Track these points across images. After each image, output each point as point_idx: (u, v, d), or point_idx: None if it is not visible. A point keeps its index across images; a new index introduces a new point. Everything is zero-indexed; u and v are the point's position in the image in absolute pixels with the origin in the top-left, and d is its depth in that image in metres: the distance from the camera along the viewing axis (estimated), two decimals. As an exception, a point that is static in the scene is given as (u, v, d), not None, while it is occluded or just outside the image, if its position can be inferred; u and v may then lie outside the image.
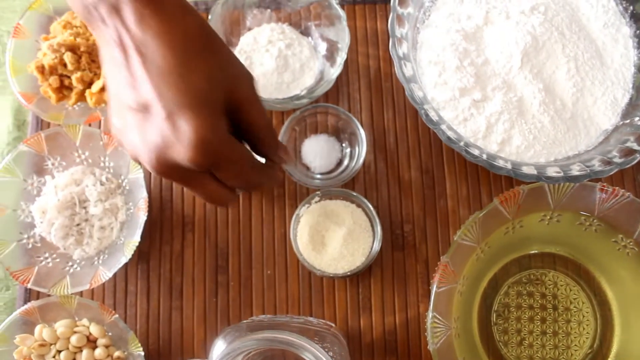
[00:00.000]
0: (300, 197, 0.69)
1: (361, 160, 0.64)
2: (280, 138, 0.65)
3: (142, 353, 0.62)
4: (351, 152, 0.68)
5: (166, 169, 0.41)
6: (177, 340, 0.67)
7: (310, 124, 0.69)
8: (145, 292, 0.68)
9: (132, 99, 0.40)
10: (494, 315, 0.65)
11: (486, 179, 0.69)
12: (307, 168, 0.68)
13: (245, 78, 0.44)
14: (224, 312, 0.67)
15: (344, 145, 0.68)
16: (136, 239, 0.62)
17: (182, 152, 0.39)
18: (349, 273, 0.64)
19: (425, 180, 0.69)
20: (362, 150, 0.65)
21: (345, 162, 0.68)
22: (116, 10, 0.39)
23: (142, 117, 0.40)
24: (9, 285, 0.71)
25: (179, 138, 0.39)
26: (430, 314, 0.57)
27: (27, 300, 0.69)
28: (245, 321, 0.60)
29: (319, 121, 0.69)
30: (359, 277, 0.67)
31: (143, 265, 0.69)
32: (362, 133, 0.65)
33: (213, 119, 0.40)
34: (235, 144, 0.43)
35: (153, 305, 0.68)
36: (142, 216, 0.62)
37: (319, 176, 0.68)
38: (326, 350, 0.50)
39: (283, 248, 0.68)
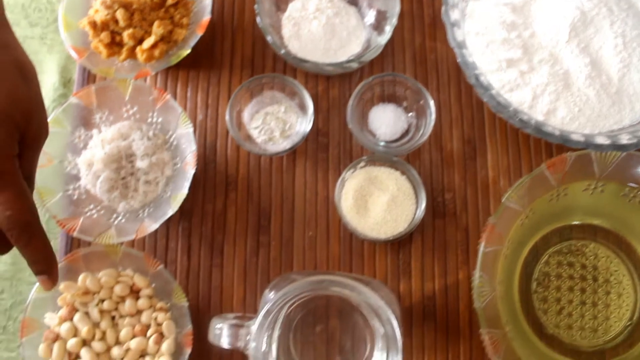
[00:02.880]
0: (344, 162, 0.68)
1: (428, 134, 0.64)
2: (350, 105, 0.64)
3: (187, 304, 0.60)
4: (417, 123, 0.67)
5: None
6: (217, 297, 0.66)
7: (379, 92, 0.68)
8: (186, 249, 0.67)
9: None
10: (534, 283, 0.64)
11: (527, 152, 0.68)
12: (373, 135, 0.68)
13: (45, 122, 0.49)
14: (264, 271, 0.66)
15: (410, 115, 0.68)
16: (184, 192, 0.61)
17: None
18: (391, 238, 0.64)
19: (467, 151, 0.69)
20: (429, 123, 0.64)
21: (411, 133, 0.67)
22: None
23: None
24: (50, 238, 0.70)
25: None
26: (477, 273, 0.56)
27: (67, 252, 0.68)
28: (292, 273, 0.59)
29: (388, 90, 0.68)
30: (399, 242, 0.66)
31: (184, 223, 0.68)
32: (431, 106, 0.64)
33: (9, 135, 0.44)
34: (18, 172, 0.45)
35: (193, 262, 0.67)
36: (190, 170, 0.62)
37: (382, 144, 0.67)
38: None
39: (325, 210, 0.67)
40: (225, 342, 0.53)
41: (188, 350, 0.59)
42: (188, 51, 0.65)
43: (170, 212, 0.61)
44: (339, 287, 0.50)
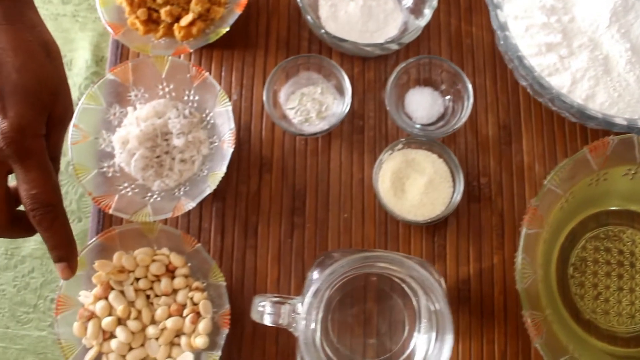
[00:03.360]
0: (379, 144, 0.68)
1: (466, 117, 0.63)
2: (388, 87, 0.63)
3: (224, 283, 0.59)
4: (454, 107, 0.66)
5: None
6: (250, 278, 0.65)
7: (415, 75, 0.67)
8: (220, 230, 0.66)
9: None
10: (571, 268, 0.63)
11: (562, 137, 0.68)
12: (410, 118, 0.67)
13: (70, 102, 0.48)
14: (299, 253, 0.65)
15: (446, 99, 0.67)
16: (222, 171, 0.60)
17: None
18: (429, 221, 0.63)
19: (502, 136, 0.68)
20: (467, 106, 0.63)
21: (447, 116, 0.67)
22: None
23: None
24: (80, 217, 0.69)
25: (0, 115, 0.42)
26: (520, 255, 0.56)
27: (99, 231, 0.67)
28: (334, 251, 0.58)
29: (423, 74, 0.68)
30: (435, 226, 0.66)
31: (218, 204, 0.67)
32: (469, 89, 0.63)
33: (38, 114, 0.44)
34: (45, 152, 0.45)
35: (227, 243, 0.66)
36: (229, 149, 0.61)
37: (418, 126, 0.66)
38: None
39: (360, 193, 0.67)
40: (268, 319, 0.52)
41: (225, 330, 0.59)
42: (227, 29, 0.64)
43: (208, 190, 0.60)
44: (387, 263, 0.49)
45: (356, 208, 0.66)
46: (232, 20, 0.65)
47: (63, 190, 0.64)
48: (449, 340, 0.47)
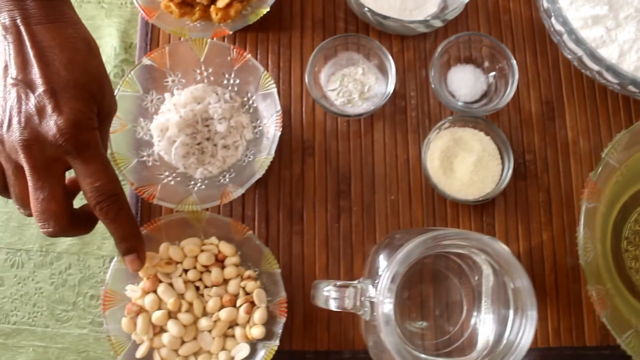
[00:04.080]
0: (422, 124, 0.66)
1: (511, 95, 0.61)
2: (433, 65, 0.61)
3: (279, 271, 0.57)
4: (497, 84, 0.64)
5: (30, 144, 0.42)
6: (298, 265, 0.63)
7: (455, 54, 0.65)
8: (264, 217, 0.64)
9: (16, 75, 0.42)
10: (624, 242, 0.62)
11: (605, 111, 0.67)
12: (453, 96, 0.65)
13: (113, 94, 0.48)
14: (347, 238, 0.63)
15: (490, 76, 0.65)
16: (270, 155, 0.58)
17: (52, 126, 0.41)
18: (480, 199, 0.61)
19: (545, 112, 0.67)
20: (512, 85, 0.61)
21: (490, 94, 0.65)
22: (20, 5, 0.43)
23: (23, 90, 0.42)
24: (117, 209, 0.66)
25: (54, 111, 0.41)
26: (581, 230, 0.54)
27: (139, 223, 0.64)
28: (396, 233, 0.56)
29: (464, 52, 0.66)
30: (482, 205, 0.64)
31: (261, 190, 0.64)
32: (514, 68, 0.61)
33: (90, 107, 0.44)
34: (101, 144, 0.45)
35: (272, 230, 0.64)
36: (276, 132, 0.58)
37: (461, 104, 0.64)
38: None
39: (406, 173, 0.65)
40: (333, 304, 0.50)
41: (283, 319, 0.56)
42: (267, 9, 0.62)
43: (257, 176, 0.58)
44: (462, 240, 0.47)
45: (403, 189, 0.64)
46: (270, 0, 0.62)
47: (97, 183, 0.61)
48: (533, 317, 0.45)
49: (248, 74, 0.61)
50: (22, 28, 0.43)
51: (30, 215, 0.46)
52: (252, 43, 0.68)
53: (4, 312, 0.62)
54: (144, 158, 0.61)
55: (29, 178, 0.43)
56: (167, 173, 0.61)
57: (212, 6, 0.62)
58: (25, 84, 0.42)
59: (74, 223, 0.46)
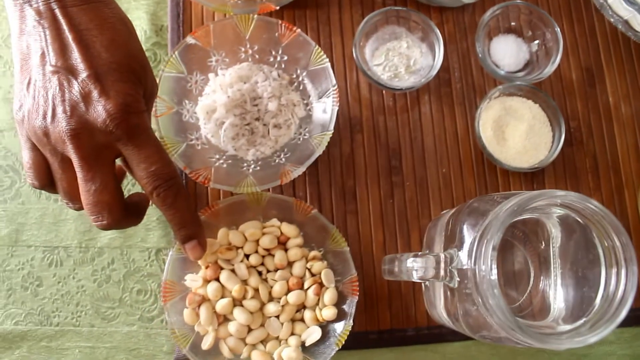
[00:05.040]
0: (468, 96, 0.64)
1: (555, 65, 0.60)
2: (476, 37, 0.60)
3: (347, 248, 0.55)
4: (538, 53, 0.63)
5: (78, 133, 0.39)
6: (355, 244, 0.60)
7: (495, 23, 0.64)
8: (317, 197, 0.61)
9: (56, 62, 0.39)
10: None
11: (643, 76, 0.66)
12: (497, 66, 0.64)
13: (153, 77, 0.45)
14: (402, 213, 0.61)
15: (533, 44, 0.64)
16: (330, 130, 0.55)
17: (100, 112, 0.38)
18: (536, 166, 0.60)
19: (586, 78, 0.66)
20: (558, 53, 0.61)
21: (533, 63, 0.64)
22: None
23: (64, 77, 0.39)
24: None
25: (101, 96, 0.39)
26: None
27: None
28: (474, 201, 0.54)
29: (503, 22, 0.65)
30: (532, 173, 0.63)
31: (311, 170, 0.62)
32: (559, 35, 0.61)
33: (137, 90, 0.41)
34: (150, 126, 0.42)
35: (326, 210, 0.61)
36: (334, 107, 0.56)
37: (504, 73, 0.63)
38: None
39: (456, 146, 0.63)
40: (416, 275, 0.48)
41: (355, 298, 0.54)
42: (313, -18, 0.59)
43: (317, 153, 0.55)
44: (559, 199, 0.46)
45: (453, 162, 0.63)
46: (316, -28, 0.59)
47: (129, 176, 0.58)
48: (634, 271, 0.44)
49: (297, 49, 0.58)
50: (57, 12, 0.39)
51: (80, 209, 0.43)
52: (290, 20, 0.65)
53: (45, 314, 0.57)
54: (193, 141, 0.57)
55: (78, 170, 0.40)
56: (217, 156, 0.58)
57: (254, -19, 0.59)
58: (66, 70, 0.39)
59: (126, 213, 0.42)
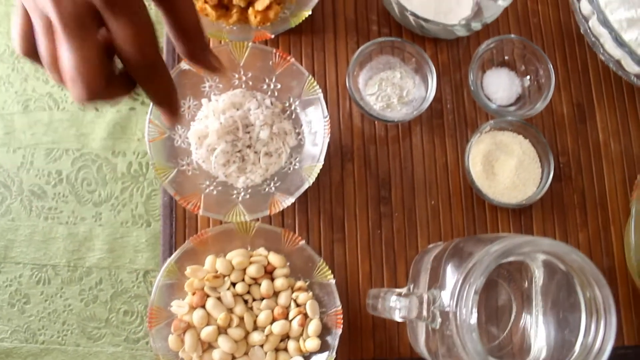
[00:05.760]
0: (460, 128, 0.64)
1: (547, 101, 0.61)
2: (470, 69, 0.60)
3: (333, 280, 0.55)
4: (530, 89, 0.63)
5: None
6: (342, 273, 0.61)
7: (488, 57, 0.64)
8: (305, 225, 0.61)
9: None
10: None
11: (634, 112, 0.67)
12: (489, 99, 0.64)
13: None
14: (389, 244, 0.62)
15: (525, 79, 0.64)
16: (320, 161, 0.55)
17: None
18: (524, 202, 0.60)
19: (577, 114, 0.66)
20: (549, 90, 0.61)
21: (525, 98, 0.64)
22: None
23: None
24: (149, 220, 0.62)
25: None
26: (632, 232, 0.54)
27: (172, 234, 0.60)
28: (460, 241, 0.54)
29: (497, 55, 0.64)
30: (520, 207, 0.63)
31: (301, 198, 0.62)
32: (551, 72, 0.61)
33: None
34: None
35: (313, 238, 0.61)
36: (325, 138, 0.56)
37: (496, 107, 0.63)
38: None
39: (445, 178, 0.63)
40: (398, 315, 0.48)
41: (339, 331, 0.54)
42: (309, 12, 0.59)
43: (306, 184, 0.55)
44: (541, 247, 0.46)
45: (443, 193, 0.63)
46: (312, 3, 0.59)
47: (127, 193, 0.57)
48: (613, 323, 0.45)
49: (291, 78, 0.58)
50: None
51: (61, 81, 0.39)
52: (285, 46, 0.65)
53: (31, 332, 0.57)
54: (184, 167, 0.57)
55: (59, 34, 0.35)
56: (207, 182, 0.58)
57: (250, 9, 0.59)
58: None
59: (109, 84, 0.37)
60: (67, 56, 0.35)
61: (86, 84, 0.35)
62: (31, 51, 0.37)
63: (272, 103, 0.59)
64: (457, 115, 0.65)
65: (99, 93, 0.35)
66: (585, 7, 0.61)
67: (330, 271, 0.55)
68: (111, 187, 0.68)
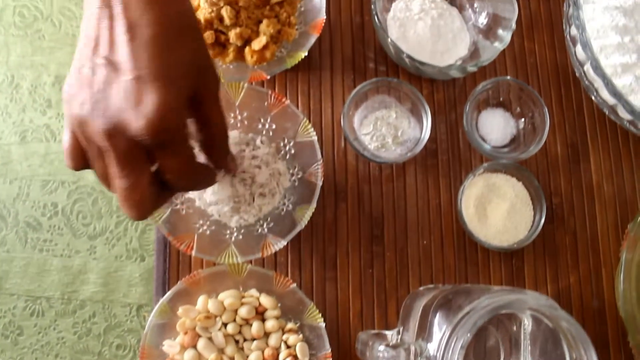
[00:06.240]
0: (454, 168, 0.65)
1: (540, 145, 0.61)
2: (467, 110, 0.60)
3: (323, 324, 0.55)
4: (524, 130, 0.64)
5: (113, 133, 0.37)
6: (332, 312, 0.61)
7: (484, 97, 0.64)
8: (297, 263, 0.62)
9: (105, 55, 0.37)
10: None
11: (627, 155, 0.67)
12: (484, 140, 0.64)
13: (214, 75, 0.42)
14: (380, 283, 0.62)
15: (521, 121, 0.64)
16: (312, 205, 0.56)
17: (136, 119, 0.36)
18: (515, 246, 0.61)
19: (571, 155, 0.66)
20: (545, 130, 0.61)
21: (519, 139, 0.64)
22: None
23: (109, 73, 0.37)
24: (143, 255, 0.63)
25: (139, 103, 0.36)
26: (621, 281, 0.55)
27: (165, 270, 0.61)
28: (454, 290, 0.54)
29: (493, 95, 0.65)
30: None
31: (294, 236, 0.62)
32: (546, 115, 0.61)
33: (178, 99, 0.38)
34: (187, 139, 0.40)
35: (306, 276, 0.62)
36: (317, 182, 0.56)
37: (490, 147, 0.63)
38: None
39: (438, 218, 0.64)
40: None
41: (328, 373, 0.54)
42: (305, 53, 0.59)
43: (299, 228, 0.55)
44: (535, 304, 0.46)
45: (435, 234, 0.63)
46: (309, 43, 0.59)
47: (121, 227, 0.58)
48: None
49: (286, 120, 0.58)
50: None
51: (113, 191, 0.41)
52: (281, 83, 0.65)
53: (24, 364, 0.58)
54: (178, 206, 0.58)
55: (111, 164, 0.39)
56: (201, 222, 0.58)
57: (247, 48, 0.59)
58: (112, 65, 0.37)
59: (155, 205, 0.42)
60: (119, 183, 0.38)
61: (136, 208, 0.39)
62: (81, 168, 0.41)
63: (262, 142, 0.60)
64: (451, 155, 0.65)
65: (147, 214, 0.41)
66: (580, 52, 0.61)
67: (320, 315, 0.55)
68: (106, 220, 0.68)
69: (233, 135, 0.59)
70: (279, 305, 0.57)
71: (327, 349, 0.55)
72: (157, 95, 0.36)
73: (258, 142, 0.60)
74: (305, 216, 0.56)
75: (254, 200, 0.59)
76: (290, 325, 0.56)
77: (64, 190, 0.69)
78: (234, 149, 0.58)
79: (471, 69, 0.61)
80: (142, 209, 0.40)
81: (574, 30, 0.61)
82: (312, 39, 0.59)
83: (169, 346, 0.55)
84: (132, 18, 0.37)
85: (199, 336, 0.55)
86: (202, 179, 0.44)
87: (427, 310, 0.52)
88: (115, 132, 0.37)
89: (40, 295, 0.60)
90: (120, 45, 0.37)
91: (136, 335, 0.59)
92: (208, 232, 0.58)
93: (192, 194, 0.59)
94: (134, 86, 0.36)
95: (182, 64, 0.38)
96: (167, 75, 0.37)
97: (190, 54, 0.39)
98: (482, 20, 0.65)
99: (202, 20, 0.58)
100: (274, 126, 0.60)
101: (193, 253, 0.55)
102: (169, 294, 0.55)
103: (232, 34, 0.59)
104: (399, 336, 0.56)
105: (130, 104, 0.36)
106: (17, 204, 0.69)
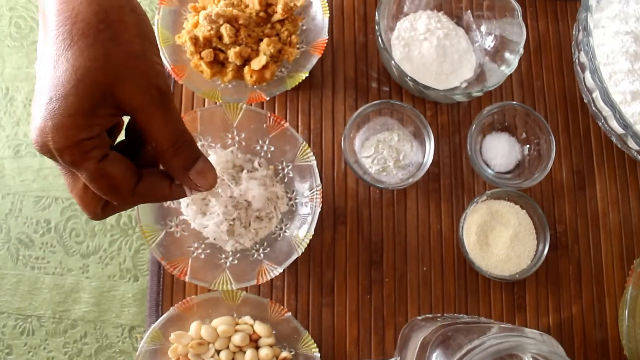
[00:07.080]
0: (456, 193, 0.63)
1: (545, 173, 0.59)
2: (471, 134, 0.58)
3: (318, 355, 0.54)
4: (529, 157, 0.62)
5: (42, 150, 0.34)
6: (329, 338, 0.59)
7: (489, 121, 0.62)
8: (294, 287, 0.60)
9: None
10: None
11: (634, 182, 0.65)
12: (487, 165, 0.62)
13: (142, 79, 0.35)
14: (378, 310, 0.60)
15: (525, 147, 0.62)
16: (310, 232, 0.54)
17: (49, 142, 0.34)
18: (517, 276, 0.59)
19: (576, 181, 0.65)
20: (548, 161, 0.59)
21: (524, 165, 0.62)
22: None
23: (45, 96, 0.34)
24: (137, 275, 0.61)
25: (46, 125, 0.33)
26: (626, 318, 0.53)
27: (159, 291, 0.59)
28: (454, 326, 0.53)
29: (498, 119, 0.63)
30: (515, 277, 0.62)
31: (291, 259, 0.60)
32: (552, 143, 0.59)
33: (88, 119, 0.34)
34: (95, 157, 0.35)
35: (302, 301, 0.60)
36: (316, 207, 0.54)
37: (491, 173, 0.62)
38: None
39: (439, 244, 0.62)
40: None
41: (321, 405, 0.53)
42: (306, 74, 0.57)
43: (295, 255, 0.54)
44: (536, 349, 0.45)
45: (435, 260, 0.62)
46: (311, 63, 0.58)
47: (115, 246, 0.56)
48: None
49: (284, 142, 0.57)
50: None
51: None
52: (281, 100, 0.64)
53: (13, 384, 0.57)
54: (172, 229, 0.56)
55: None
56: (195, 245, 0.57)
57: (246, 67, 0.58)
58: (47, 87, 0.34)
59: (105, 212, 0.40)
60: (69, 189, 0.38)
61: (85, 210, 0.39)
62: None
63: (259, 164, 0.58)
64: (454, 179, 0.63)
65: (98, 217, 0.41)
66: (589, 79, 0.59)
67: (315, 344, 0.54)
68: (100, 239, 0.67)
69: (227, 155, 0.58)
70: (274, 332, 0.56)
71: (321, 380, 0.53)
72: (39, 117, 0.33)
73: (256, 163, 0.58)
74: (302, 243, 0.54)
75: (249, 224, 0.57)
76: (284, 354, 0.55)
77: (57, 207, 0.67)
78: (224, 170, 0.56)
79: (476, 94, 0.59)
80: (91, 211, 0.39)
81: (583, 57, 0.59)
82: (314, 60, 0.58)
83: (160, 373, 0.54)
84: (45, 23, 0.34)
85: (191, 363, 0.54)
86: (141, 198, 0.39)
87: (425, 345, 0.51)
88: (44, 151, 0.35)
89: (30, 314, 0.58)
90: (57, 65, 0.34)
91: (128, 357, 0.58)
92: (203, 255, 0.56)
93: (186, 216, 0.57)
94: (51, 106, 0.33)
95: (73, 74, 0.33)
96: (60, 88, 0.33)
97: (84, 60, 0.33)
98: (490, 42, 0.63)
99: (202, 39, 0.57)
100: (272, 148, 0.58)
101: (187, 279, 0.53)
102: (161, 319, 0.53)
103: (232, 53, 0.57)
104: (396, 367, 0.54)
105: (46, 126, 0.33)
106: (9, 220, 0.68)
